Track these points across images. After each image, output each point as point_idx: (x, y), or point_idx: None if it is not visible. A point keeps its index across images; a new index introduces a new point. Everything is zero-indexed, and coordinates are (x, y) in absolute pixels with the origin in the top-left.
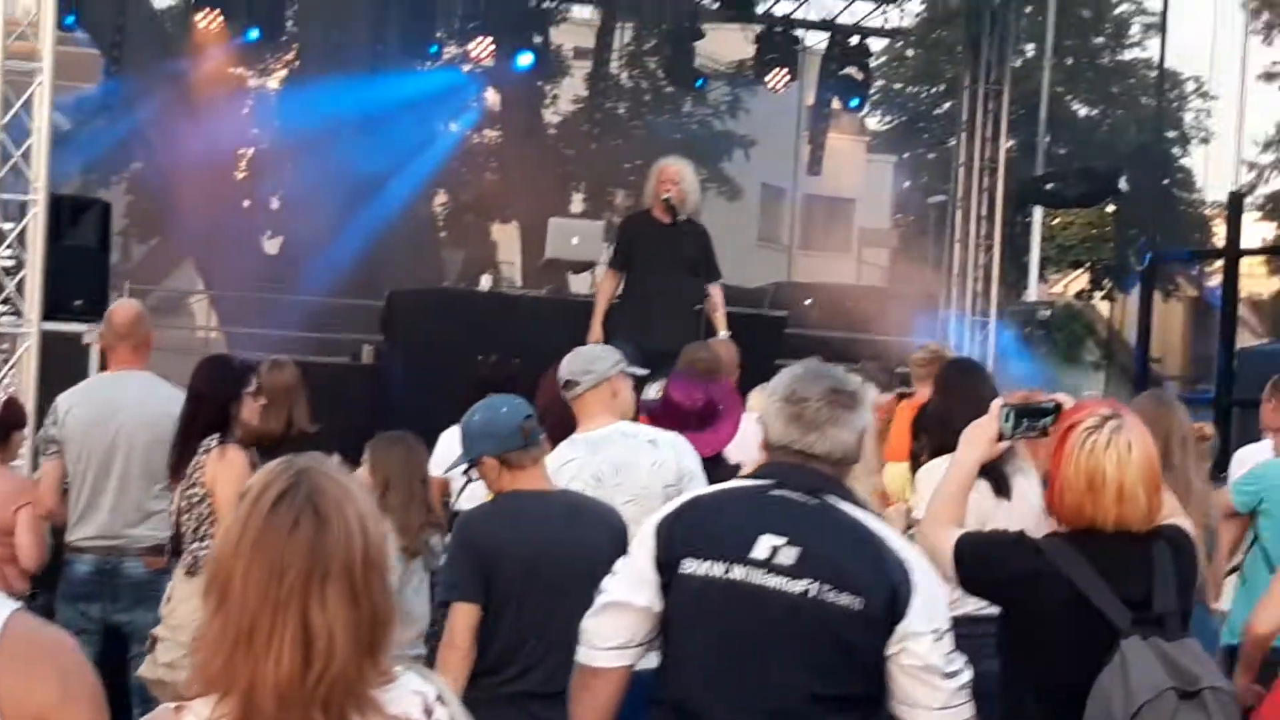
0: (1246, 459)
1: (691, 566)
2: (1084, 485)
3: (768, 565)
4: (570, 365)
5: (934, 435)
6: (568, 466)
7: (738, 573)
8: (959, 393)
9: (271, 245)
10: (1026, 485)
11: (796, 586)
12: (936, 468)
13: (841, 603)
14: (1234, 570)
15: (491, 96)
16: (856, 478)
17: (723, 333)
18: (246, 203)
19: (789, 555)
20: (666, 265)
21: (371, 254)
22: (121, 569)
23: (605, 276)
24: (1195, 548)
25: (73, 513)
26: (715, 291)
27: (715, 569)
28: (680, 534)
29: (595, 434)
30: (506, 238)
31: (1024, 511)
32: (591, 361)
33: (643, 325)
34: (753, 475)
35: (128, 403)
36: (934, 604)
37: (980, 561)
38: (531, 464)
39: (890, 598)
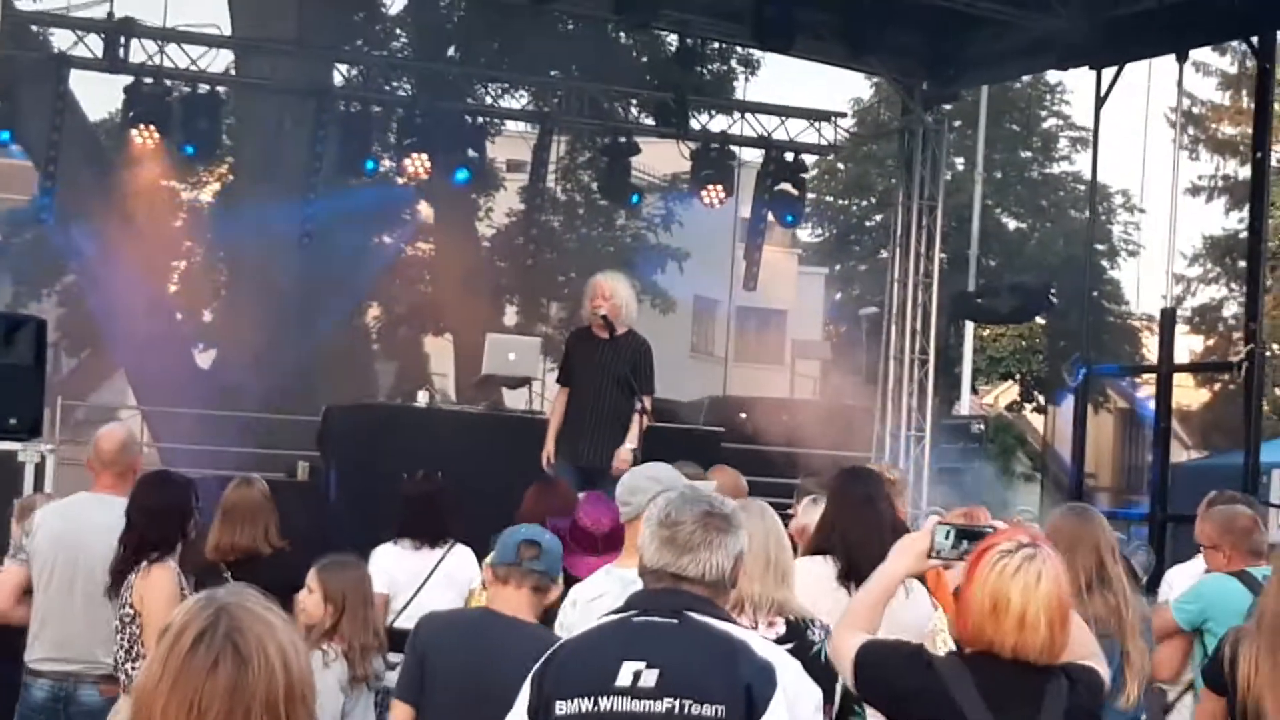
0: (1176, 581)
1: (563, 708)
2: (987, 608)
3: (632, 692)
4: (620, 487)
5: (818, 537)
6: (599, 602)
7: (605, 704)
8: (845, 501)
9: (204, 359)
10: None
11: (660, 707)
12: (805, 566)
13: (705, 715)
14: (1189, 689)
15: (425, 210)
16: (763, 594)
17: (629, 445)
18: (179, 315)
19: (650, 678)
20: (600, 381)
21: (306, 368)
22: (76, 696)
23: (557, 394)
24: (1102, 690)
25: (32, 627)
26: (644, 403)
27: (585, 704)
28: (551, 678)
29: (631, 571)
30: (440, 351)
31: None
32: (633, 491)
33: (577, 444)
34: (620, 608)
35: (100, 525)
36: (800, 700)
37: (876, 670)
38: (516, 585)
39: (748, 700)
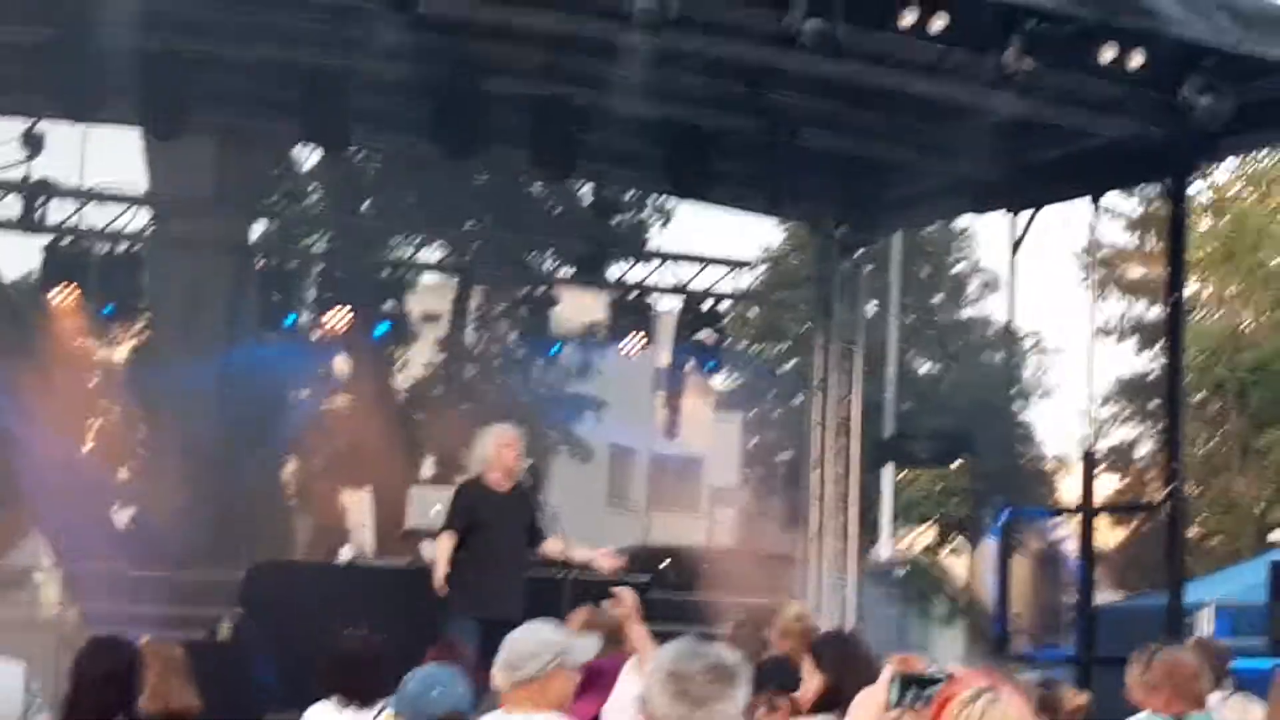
0: None
1: None
2: None
3: None
4: (510, 652)
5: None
6: None
7: None
8: (841, 665)
9: (121, 517)
10: None
11: None
12: None
13: None
14: None
15: (342, 364)
16: None
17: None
18: (95, 474)
19: None
20: (508, 534)
21: (226, 523)
22: None
23: (444, 539)
24: None
25: None
26: (557, 543)
27: None
28: None
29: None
30: (358, 505)
31: None
32: (527, 657)
33: (487, 596)
34: None
35: None
36: None
37: None
38: None
39: None
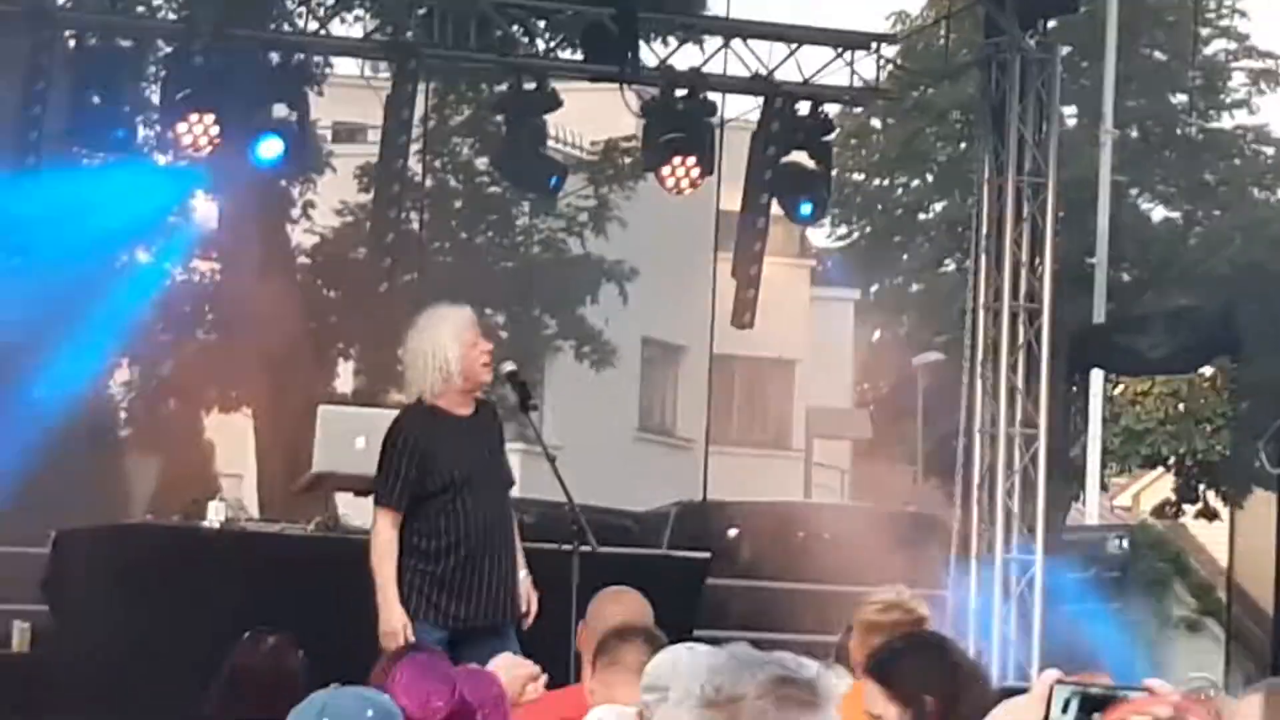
0: None
1: None
2: None
3: None
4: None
5: None
6: None
7: None
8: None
9: None
10: None
11: None
12: None
13: None
14: None
15: (207, 208)
16: None
17: (525, 573)
18: None
19: None
20: (480, 486)
21: (15, 470)
22: None
23: (381, 524)
24: None
25: None
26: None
27: None
28: None
29: None
30: (232, 437)
31: None
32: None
33: (451, 595)
34: None
35: None
36: None
37: None
38: None
39: None
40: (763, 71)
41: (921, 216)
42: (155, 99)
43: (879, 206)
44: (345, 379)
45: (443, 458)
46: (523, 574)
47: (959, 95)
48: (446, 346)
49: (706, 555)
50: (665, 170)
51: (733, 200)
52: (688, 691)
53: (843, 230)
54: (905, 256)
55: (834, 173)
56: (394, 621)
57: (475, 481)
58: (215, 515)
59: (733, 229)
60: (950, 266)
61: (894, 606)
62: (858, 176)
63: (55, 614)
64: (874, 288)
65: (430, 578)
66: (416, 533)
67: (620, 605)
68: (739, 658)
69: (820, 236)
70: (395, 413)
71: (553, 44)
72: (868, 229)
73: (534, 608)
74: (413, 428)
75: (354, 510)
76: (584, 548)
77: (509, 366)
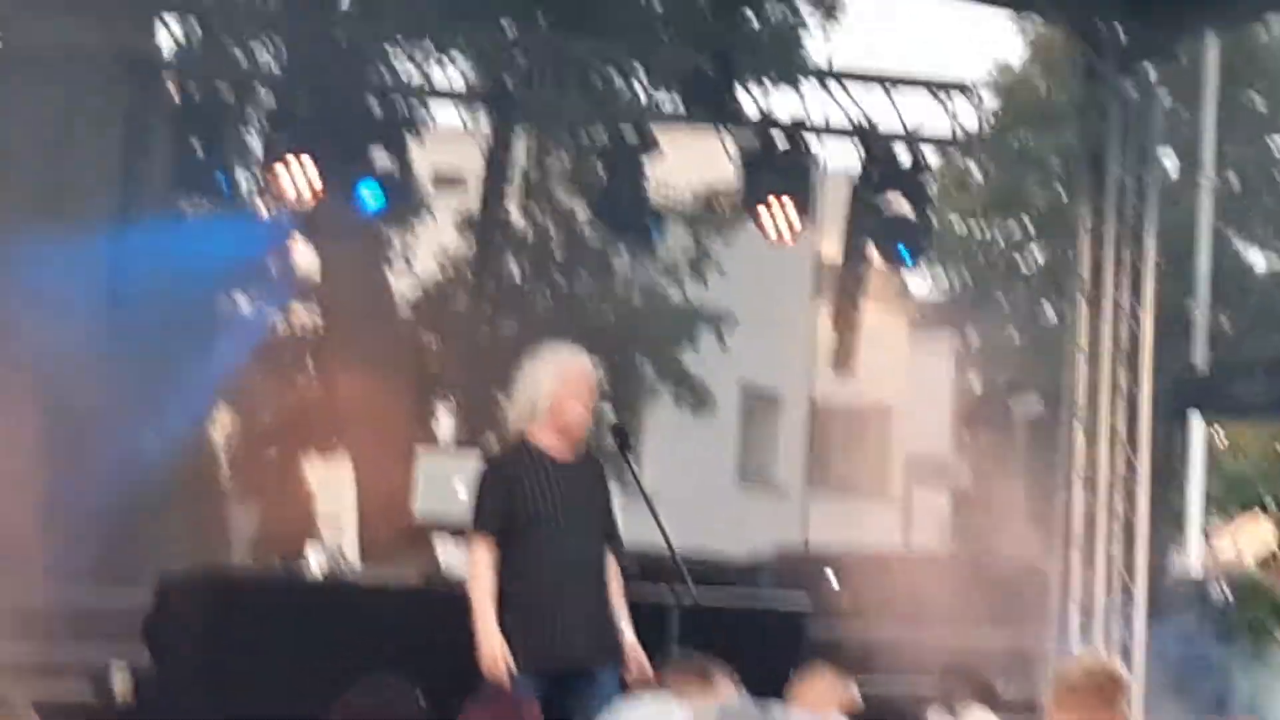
0: None
1: None
2: None
3: None
4: None
5: None
6: None
7: None
8: None
9: None
10: None
11: None
12: None
13: None
14: None
15: (309, 256)
16: None
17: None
18: None
19: None
20: (576, 530)
21: (118, 518)
22: None
23: (477, 555)
24: None
25: None
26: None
27: None
28: None
29: None
30: (332, 484)
31: None
32: None
33: (540, 634)
34: None
35: None
36: None
37: None
38: None
39: None
40: (862, 118)
41: (1021, 263)
42: (256, 148)
43: (978, 253)
44: (445, 426)
45: (531, 493)
46: (628, 635)
47: (1059, 142)
48: (541, 383)
49: (808, 606)
50: (765, 217)
51: (831, 248)
52: None
53: (942, 277)
54: (1005, 303)
55: (934, 219)
56: (493, 649)
57: (562, 524)
58: (313, 563)
59: (831, 276)
60: (1050, 313)
61: (1097, 671)
62: (957, 223)
63: (156, 658)
64: (973, 335)
65: (512, 622)
66: (500, 577)
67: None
68: (727, 714)
69: (919, 283)
70: None
71: (652, 91)
72: (967, 276)
73: (644, 669)
74: (505, 460)
75: (455, 557)
76: (685, 600)
77: (612, 418)
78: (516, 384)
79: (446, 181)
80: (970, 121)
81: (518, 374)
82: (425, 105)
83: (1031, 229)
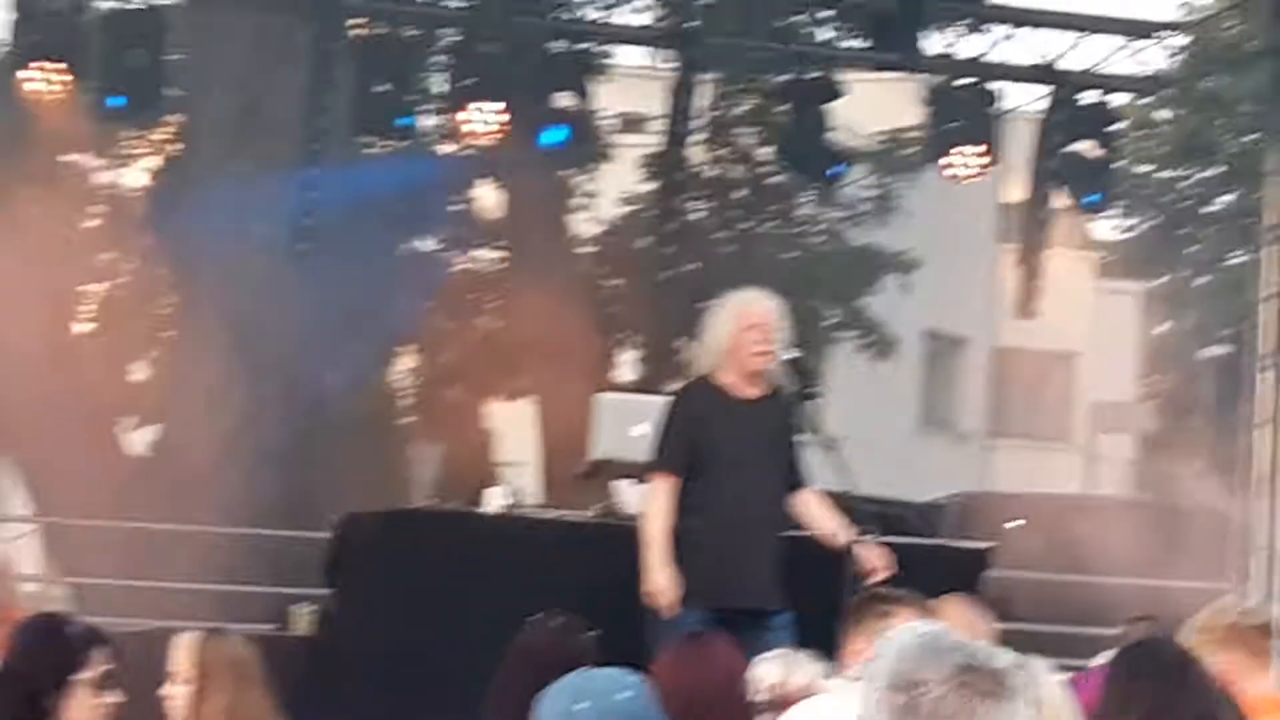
0: None
1: None
2: None
3: None
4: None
5: None
6: None
7: None
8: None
9: (138, 439)
10: None
11: None
12: None
13: None
14: None
15: (492, 196)
16: None
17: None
18: (93, 372)
19: None
20: (758, 471)
21: (301, 455)
22: None
23: (657, 488)
24: None
25: None
26: (818, 504)
27: None
28: None
29: None
30: (514, 424)
31: None
32: None
33: (713, 573)
34: None
35: None
36: None
37: None
38: None
39: None
40: (1048, 60)
41: (1209, 208)
42: (439, 88)
43: (1166, 198)
44: (627, 367)
45: (716, 432)
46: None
47: (1249, 85)
48: (724, 324)
49: (988, 546)
50: (948, 160)
51: (1017, 191)
52: (877, 670)
53: (1129, 222)
54: (1192, 248)
55: (1120, 163)
56: (658, 581)
57: (746, 463)
58: (494, 500)
59: (1016, 220)
60: (1238, 259)
61: (1233, 610)
62: (1144, 168)
63: (338, 598)
64: (1159, 280)
65: (689, 558)
66: (680, 511)
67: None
68: (928, 644)
69: (1105, 228)
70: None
71: (837, 32)
72: (1154, 220)
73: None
74: (689, 398)
75: (635, 497)
76: (864, 537)
77: (792, 353)
78: (705, 328)
79: (631, 123)
80: (1159, 64)
81: (705, 318)
82: (608, 46)
83: (1220, 173)
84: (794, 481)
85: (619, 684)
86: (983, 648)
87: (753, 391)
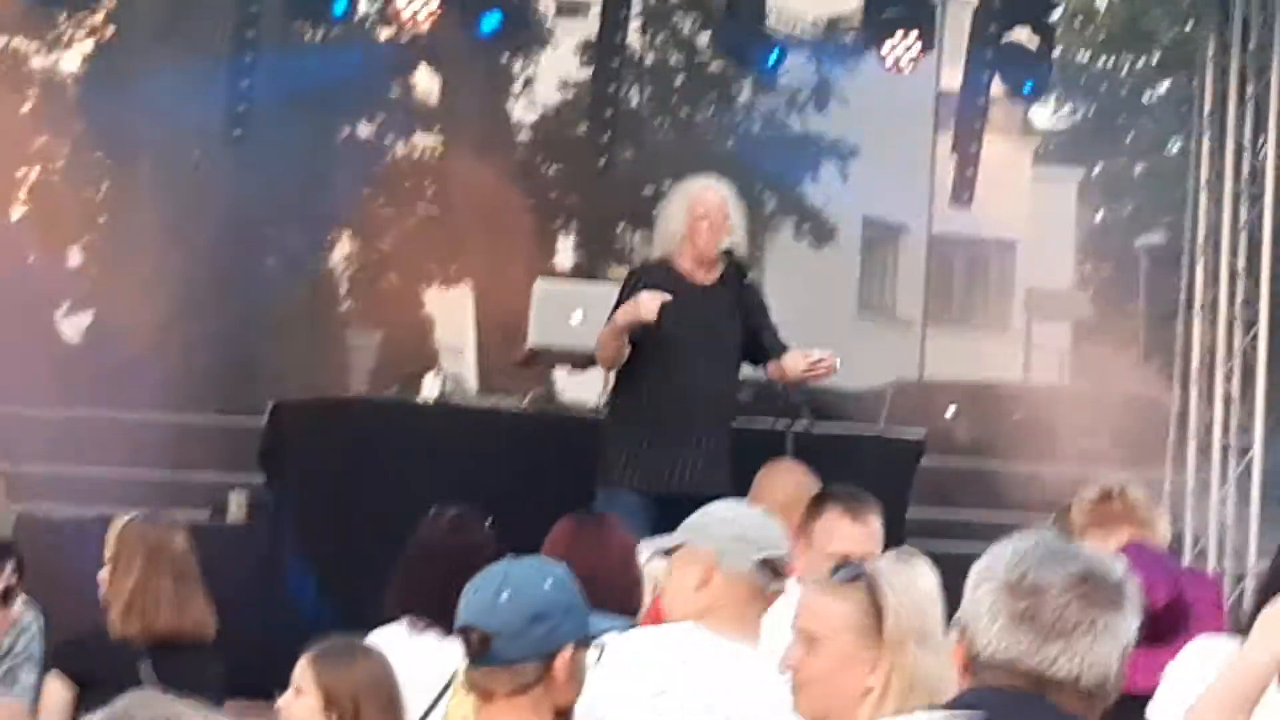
0: None
1: None
2: None
3: None
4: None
5: None
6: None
7: None
8: None
9: (72, 326)
10: None
11: None
12: None
13: None
14: None
15: (427, 83)
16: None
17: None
18: (30, 256)
19: None
20: (706, 356)
21: (236, 340)
22: None
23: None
24: None
25: None
26: (800, 359)
27: None
28: None
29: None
30: (451, 310)
31: None
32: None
33: (658, 456)
34: (951, 705)
35: None
36: None
37: None
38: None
39: None
40: None
41: (1146, 96)
42: None
43: (1103, 86)
44: (566, 254)
45: (666, 312)
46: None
47: None
48: (675, 213)
49: (922, 434)
50: (885, 47)
51: (954, 79)
52: (990, 572)
53: (1066, 110)
54: (1129, 137)
55: (1058, 51)
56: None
57: (689, 346)
58: (430, 388)
59: (953, 108)
60: (1175, 147)
61: (1111, 497)
62: (1082, 56)
63: (272, 484)
64: (1097, 168)
65: (633, 438)
66: (625, 391)
67: (791, 476)
68: (1048, 548)
69: (1043, 116)
70: (612, 285)
71: None
72: (1092, 108)
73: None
74: (638, 277)
75: (570, 385)
76: (800, 423)
77: (725, 244)
78: (659, 217)
79: (568, 8)
80: None
81: (660, 206)
82: None
83: (1157, 62)
84: (772, 350)
85: (542, 573)
86: (1097, 556)
87: (707, 277)
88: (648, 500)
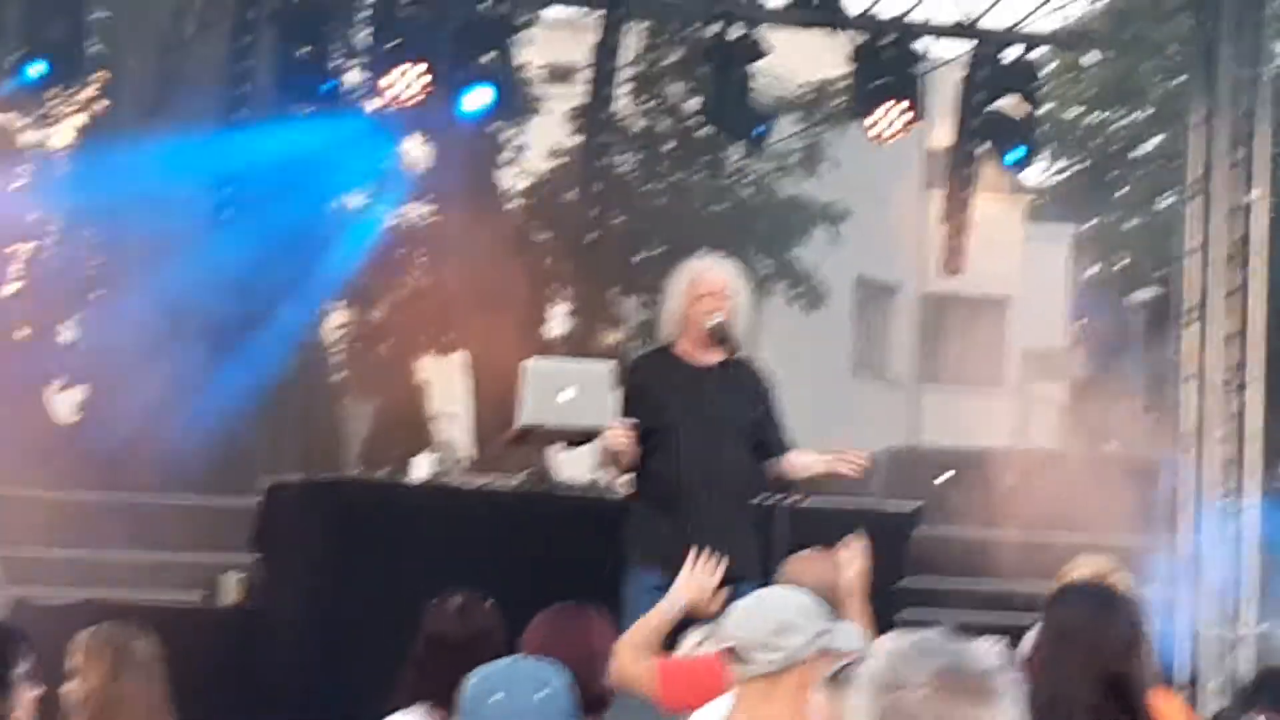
0: None
1: None
2: None
3: None
4: (744, 625)
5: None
6: None
7: None
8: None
9: (63, 404)
10: None
11: None
12: None
13: None
14: None
15: (419, 152)
16: None
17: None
18: (22, 333)
19: None
20: (714, 433)
21: (229, 418)
22: None
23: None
24: None
25: None
26: (807, 456)
27: None
28: None
29: None
30: (446, 377)
31: None
32: (783, 630)
33: (672, 540)
34: None
35: None
36: None
37: None
38: None
39: None
40: (971, 19)
41: (1137, 151)
42: (362, 48)
43: (1093, 142)
44: (557, 325)
45: (664, 397)
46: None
47: (1175, 29)
48: (675, 293)
49: (917, 506)
50: (874, 116)
51: (942, 137)
52: (865, 676)
53: (1057, 166)
54: (1121, 192)
55: (1048, 108)
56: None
57: (701, 428)
58: (423, 467)
59: (942, 171)
60: (1167, 201)
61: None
62: (1072, 112)
63: (264, 566)
64: (1089, 224)
65: (646, 520)
66: (640, 475)
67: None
68: (921, 645)
69: (1034, 173)
70: (605, 364)
71: None
72: (1083, 164)
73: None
74: (637, 369)
75: (567, 460)
76: (792, 497)
77: (715, 320)
78: (663, 296)
79: (558, 75)
80: (1081, 12)
81: (665, 287)
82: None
83: (1148, 117)
84: (773, 447)
85: (539, 681)
86: (972, 649)
87: (710, 358)
88: (659, 577)
